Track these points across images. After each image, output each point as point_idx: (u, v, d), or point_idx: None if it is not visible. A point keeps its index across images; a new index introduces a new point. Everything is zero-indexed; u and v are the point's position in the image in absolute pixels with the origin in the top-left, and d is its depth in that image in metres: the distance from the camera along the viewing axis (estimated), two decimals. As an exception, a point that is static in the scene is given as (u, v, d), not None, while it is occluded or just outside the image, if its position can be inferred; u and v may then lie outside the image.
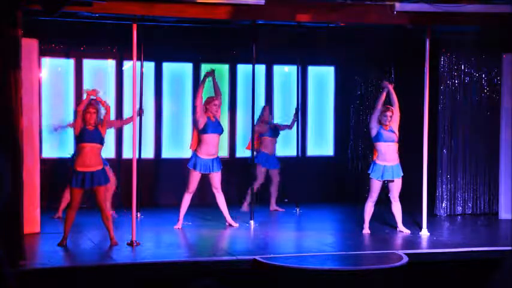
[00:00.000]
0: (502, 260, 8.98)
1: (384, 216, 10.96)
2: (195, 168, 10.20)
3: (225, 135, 12.59)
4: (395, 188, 9.98)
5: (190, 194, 10.33)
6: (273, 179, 11.98)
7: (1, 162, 7.87)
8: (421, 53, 10.19)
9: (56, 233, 9.74)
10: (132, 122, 9.49)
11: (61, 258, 8.34)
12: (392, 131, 9.93)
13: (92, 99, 8.90)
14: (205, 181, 12.57)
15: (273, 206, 12.03)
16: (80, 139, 8.85)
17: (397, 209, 10.06)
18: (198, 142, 10.25)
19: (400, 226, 10.11)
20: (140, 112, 10.54)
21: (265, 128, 11.92)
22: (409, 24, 10.34)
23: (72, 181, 8.82)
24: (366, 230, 10.07)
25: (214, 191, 10.41)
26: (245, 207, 11.71)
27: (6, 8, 7.93)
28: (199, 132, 10.20)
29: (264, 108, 12.07)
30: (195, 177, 10.25)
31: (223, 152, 12.40)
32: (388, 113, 9.91)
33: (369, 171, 10.03)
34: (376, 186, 9.97)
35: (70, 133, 12.10)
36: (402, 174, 9.96)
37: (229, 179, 11.98)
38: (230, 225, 10.47)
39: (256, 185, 11.74)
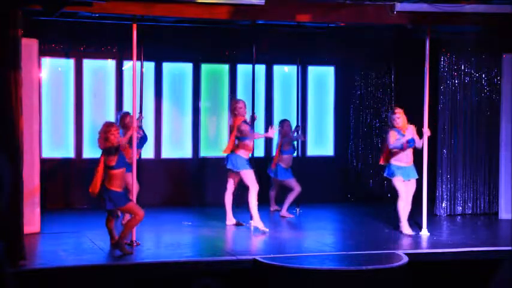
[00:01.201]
0: (502, 260, 8.99)
1: (384, 216, 10.96)
2: (251, 167, 10.35)
3: (225, 136, 12.60)
4: (410, 189, 9.98)
5: (257, 190, 10.33)
6: (294, 188, 11.75)
7: (1, 162, 7.87)
8: (421, 53, 10.19)
9: (56, 232, 9.77)
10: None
11: (61, 258, 8.34)
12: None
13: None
14: (205, 181, 12.62)
15: (274, 206, 12.01)
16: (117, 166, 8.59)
17: (406, 209, 10.04)
18: (236, 144, 10.32)
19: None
20: (140, 117, 10.50)
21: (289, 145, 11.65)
22: (409, 24, 10.34)
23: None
24: (407, 230, 9.99)
25: (231, 186, 10.58)
26: (284, 213, 11.64)
27: (6, 8, 7.93)
28: (242, 139, 10.30)
29: (284, 123, 11.61)
30: (253, 175, 10.31)
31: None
32: (397, 115, 9.84)
33: (387, 175, 9.97)
34: (400, 184, 9.90)
35: (70, 133, 12.13)
36: (417, 176, 9.99)
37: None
38: (237, 224, 10.57)
39: (272, 192, 11.80)
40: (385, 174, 10.08)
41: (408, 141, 9.78)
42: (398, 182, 9.93)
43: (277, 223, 11.14)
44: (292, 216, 11.54)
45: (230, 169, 10.40)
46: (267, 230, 10.11)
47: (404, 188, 9.93)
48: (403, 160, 9.90)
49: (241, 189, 10.81)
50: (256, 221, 10.21)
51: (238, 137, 10.29)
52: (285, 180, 11.55)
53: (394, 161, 9.93)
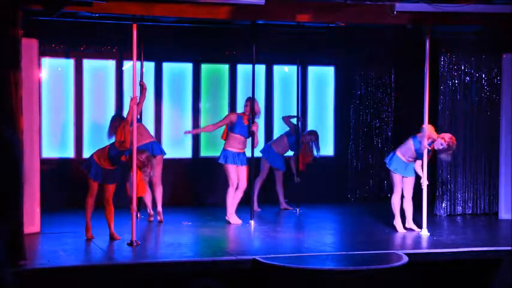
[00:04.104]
0: (502, 260, 8.99)
1: (384, 216, 10.96)
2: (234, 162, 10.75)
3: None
4: (409, 185, 10.08)
5: (233, 188, 10.71)
6: (277, 179, 12.06)
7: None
8: (421, 53, 10.18)
9: (56, 232, 9.76)
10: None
11: (61, 258, 8.34)
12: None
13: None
14: (205, 181, 12.61)
15: (283, 204, 12.10)
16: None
17: (408, 205, 10.12)
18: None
19: (410, 223, 10.14)
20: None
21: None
22: (409, 24, 10.33)
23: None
24: (399, 226, 10.10)
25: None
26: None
27: (6, 8, 7.93)
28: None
29: (308, 134, 12.26)
30: (232, 171, 10.72)
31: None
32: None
33: (388, 165, 10.07)
34: (398, 179, 10.05)
35: (70, 133, 12.14)
36: (414, 175, 10.09)
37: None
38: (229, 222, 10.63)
39: (260, 181, 11.87)
40: (386, 163, 10.15)
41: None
42: (397, 176, 10.01)
43: (277, 223, 11.15)
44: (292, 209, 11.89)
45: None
46: (238, 222, 10.54)
47: (401, 184, 10.04)
48: (406, 156, 9.97)
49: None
50: (229, 215, 10.62)
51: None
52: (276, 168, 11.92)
53: (399, 154, 9.98)
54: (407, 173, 10.03)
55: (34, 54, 9.61)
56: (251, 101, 10.62)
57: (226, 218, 10.63)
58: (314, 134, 12.18)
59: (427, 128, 9.94)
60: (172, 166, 12.56)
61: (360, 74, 13.34)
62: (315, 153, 12.12)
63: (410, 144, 10.03)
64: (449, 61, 11.72)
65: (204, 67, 12.74)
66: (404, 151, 10.05)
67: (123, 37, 10.48)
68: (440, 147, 9.83)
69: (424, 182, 10.03)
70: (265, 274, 8.09)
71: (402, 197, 10.15)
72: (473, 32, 11.34)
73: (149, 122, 12.29)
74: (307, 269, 7.89)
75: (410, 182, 10.09)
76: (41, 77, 11.25)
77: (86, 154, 11.91)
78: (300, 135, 12.01)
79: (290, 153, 12.22)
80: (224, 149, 10.73)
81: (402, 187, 10.09)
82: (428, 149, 9.91)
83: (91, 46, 12.12)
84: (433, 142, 9.89)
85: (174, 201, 12.40)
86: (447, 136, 9.87)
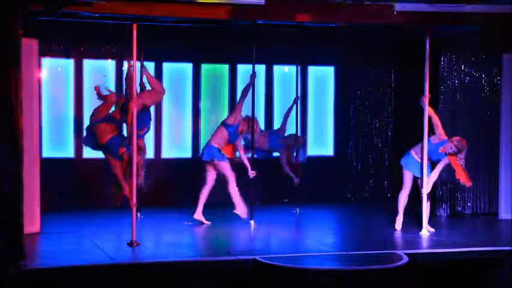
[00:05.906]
0: (502, 260, 8.99)
1: (384, 216, 10.96)
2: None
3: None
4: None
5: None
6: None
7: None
8: (421, 53, 10.19)
9: (56, 232, 9.76)
10: None
11: (61, 258, 8.34)
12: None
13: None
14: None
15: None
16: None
17: (425, 206, 10.09)
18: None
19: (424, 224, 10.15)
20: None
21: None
22: (409, 24, 10.34)
23: None
24: (398, 224, 10.12)
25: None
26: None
27: (7, 8, 7.93)
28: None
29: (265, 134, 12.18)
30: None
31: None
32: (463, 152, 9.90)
33: (401, 163, 10.10)
34: (408, 176, 10.08)
35: (70, 133, 12.14)
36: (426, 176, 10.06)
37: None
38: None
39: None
40: (401, 161, 10.17)
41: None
42: (407, 173, 10.05)
43: (278, 223, 11.14)
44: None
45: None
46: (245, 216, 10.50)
47: (410, 182, 10.05)
48: (420, 156, 9.98)
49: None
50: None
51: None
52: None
53: (413, 152, 9.99)
54: (418, 173, 10.02)
55: (34, 54, 9.61)
56: (250, 119, 10.63)
57: (236, 212, 10.63)
58: (292, 139, 12.06)
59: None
60: (172, 166, 12.57)
61: (360, 74, 13.35)
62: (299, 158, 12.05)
63: (423, 144, 10.03)
64: (449, 61, 11.72)
65: (204, 67, 12.74)
66: (418, 150, 10.07)
67: (123, 37, 10.48)
68: (451, 151, 9.81)
69: (424, 191, 10.01)
70: (265, 274, 8.09)
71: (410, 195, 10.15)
72: (473, 32, 11.34)
73: (149, 122, 12.30)
74: (307, 269, 7.90)
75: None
76: (41, 77, 11.25)
77: (86, 154, 11.91)
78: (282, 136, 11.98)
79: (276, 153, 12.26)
80: (211, 145, 10.64)
81: (411, 186, 10.08)
82: (443, 152, 9.88)
83: (91, 46, 12.13)
84: (444, 143, 9.87)
85: (174, 201, 12.40)
86: (455, 139, 9.85)
